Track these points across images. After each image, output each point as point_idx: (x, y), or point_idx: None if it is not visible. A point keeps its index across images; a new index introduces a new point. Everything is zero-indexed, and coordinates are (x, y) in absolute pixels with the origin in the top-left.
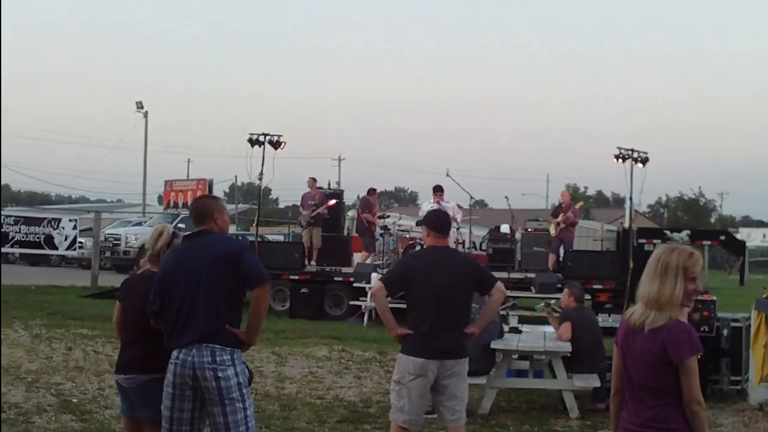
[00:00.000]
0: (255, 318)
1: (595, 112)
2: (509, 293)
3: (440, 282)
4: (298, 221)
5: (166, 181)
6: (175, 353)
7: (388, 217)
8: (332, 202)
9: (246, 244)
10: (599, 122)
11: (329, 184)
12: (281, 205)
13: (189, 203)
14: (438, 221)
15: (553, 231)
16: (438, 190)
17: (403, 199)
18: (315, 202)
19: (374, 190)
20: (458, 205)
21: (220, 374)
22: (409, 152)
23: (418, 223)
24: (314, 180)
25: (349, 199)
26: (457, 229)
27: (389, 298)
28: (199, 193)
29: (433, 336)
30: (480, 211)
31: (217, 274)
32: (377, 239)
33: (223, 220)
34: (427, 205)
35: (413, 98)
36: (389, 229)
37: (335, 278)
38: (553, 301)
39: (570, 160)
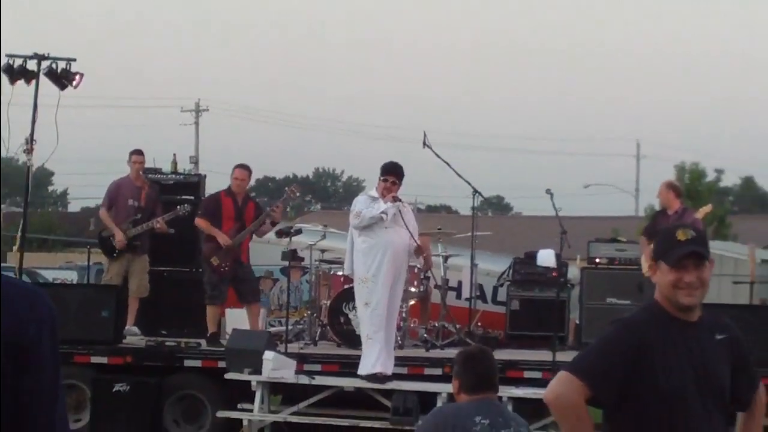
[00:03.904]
0: None
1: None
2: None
3: None
4: (99, 238)
5: None
6: None
7: (299, 231)
8: (182, 209)
9: (52, 315)
10: (751, 42)
11: (175, 163)
12: (74, 207)
13: None
14: None
15: (647, 264)
16: (391, 171)
17: (334, 193)
18: (141, 203)
19: (244, 168)
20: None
21: None
22: (346, 101)
23: (281, 234)
24: (140, 155)
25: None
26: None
27: None
28: None
29: None
30: (496, 221)
31: None
32: (273, 278)
33: None
34: (363, 200)
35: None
36: (301, 259)
37: (186, 362)
38: None
39: (684, 117)
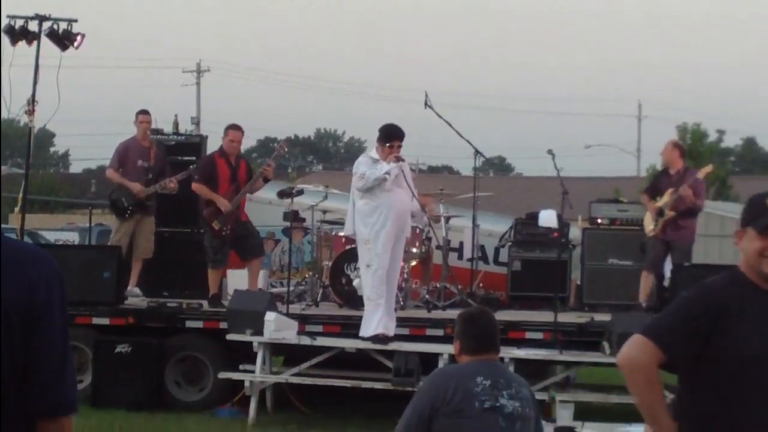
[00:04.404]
0: None
1: None
2: (556, 355)
3: None
4: (111, 199)
5: None
6: None
7: (301, 192)
8: (194, 169)
9: (59, 276)
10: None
11: (176, 124)
12: (76, 168)
13: None
14: None
15: (650, 225)
16: (395, 136)
17: (335, 154)
18: (151, 163)
19: (238, 129)
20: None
21: None
22: (348, 62)
23: (283, 194)
24: (146, 114)
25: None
26: (428, 223)
27: None
28: None
29: None
30: (497, 182)
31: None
32: (274, 239)
33: None
34: (365, 161)
35: None
36: (303, 220)
37: (188, 323)
38: None
39: (685, 78)
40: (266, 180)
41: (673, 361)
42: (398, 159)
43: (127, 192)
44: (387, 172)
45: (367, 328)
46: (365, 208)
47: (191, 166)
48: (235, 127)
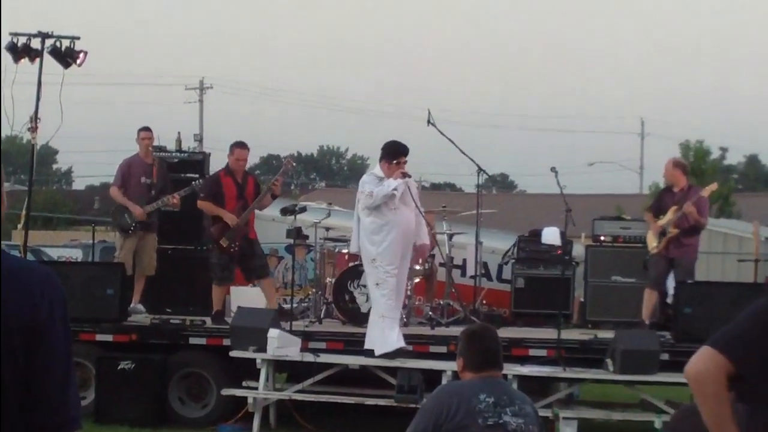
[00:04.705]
0: None
1: None
2: (559, 372)
3: None
4: (115, 218)
5: None
6: None
7: (304, 209)
8: (197, 185)
9: (62, 293)
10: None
11: (179, 141)
12: (79, 185)
13: None
14: None
15: (653, 242)
16: (401, 152)
17: (338, 171)
18: (154, 180)
19: (244, 147)
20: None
21: None
22: (351, 79)
23: (286, 211)
24: (148, 131)
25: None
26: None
27: None
28: None
29: None
30: (501, 199)
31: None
32: (277, 256)
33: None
34: (370, 180)
35: None
36: (306, 237)
37: (191, 340)
38: None
39: (688, 95)
40: (274, 196)
41: (742, 372)
42: (404, 175)
43: (127, 208)
44: (395, 189)
45: (389, 344)
46: (372, 226)
47: (194, 182)
48: (241, 145)
